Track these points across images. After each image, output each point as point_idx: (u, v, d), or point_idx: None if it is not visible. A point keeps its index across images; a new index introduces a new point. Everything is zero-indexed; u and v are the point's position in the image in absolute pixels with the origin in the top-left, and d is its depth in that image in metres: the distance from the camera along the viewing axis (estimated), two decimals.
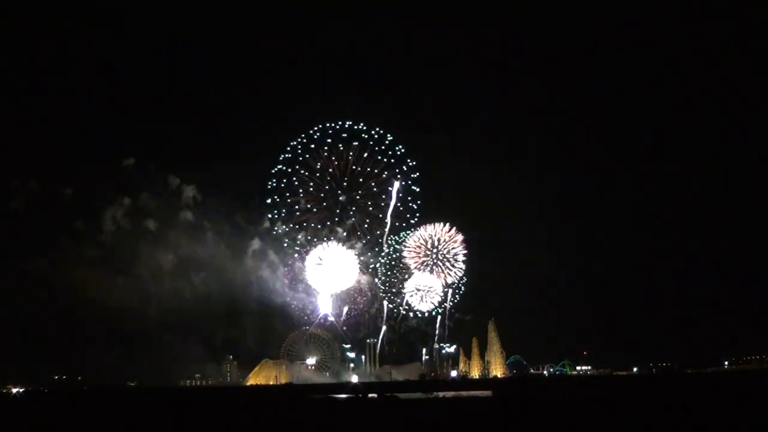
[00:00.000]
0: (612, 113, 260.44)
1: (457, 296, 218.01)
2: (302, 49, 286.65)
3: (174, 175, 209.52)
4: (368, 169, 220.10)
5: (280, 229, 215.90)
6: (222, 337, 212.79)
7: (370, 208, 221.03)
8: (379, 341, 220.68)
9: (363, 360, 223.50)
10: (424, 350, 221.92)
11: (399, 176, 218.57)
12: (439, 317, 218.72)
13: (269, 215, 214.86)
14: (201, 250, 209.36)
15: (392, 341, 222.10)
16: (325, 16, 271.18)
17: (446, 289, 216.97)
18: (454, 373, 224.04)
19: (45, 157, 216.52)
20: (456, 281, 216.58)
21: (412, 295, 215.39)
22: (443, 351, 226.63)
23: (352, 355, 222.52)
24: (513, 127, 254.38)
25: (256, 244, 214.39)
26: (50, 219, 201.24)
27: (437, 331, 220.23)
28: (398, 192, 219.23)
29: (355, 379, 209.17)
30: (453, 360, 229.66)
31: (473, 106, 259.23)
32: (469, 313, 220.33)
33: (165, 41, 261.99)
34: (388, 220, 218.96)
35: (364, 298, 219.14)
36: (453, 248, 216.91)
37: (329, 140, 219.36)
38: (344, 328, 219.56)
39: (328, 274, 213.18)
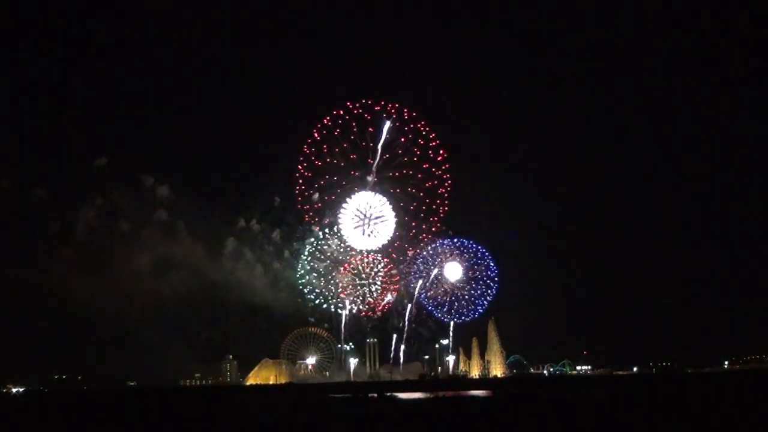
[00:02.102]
0: (606, 113, 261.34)
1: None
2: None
3: (148, 175, 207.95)
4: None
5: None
6: (206, 337, 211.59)
7: None
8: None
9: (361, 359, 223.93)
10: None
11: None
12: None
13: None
14: (179, 249, 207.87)
15: (389, 341, 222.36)
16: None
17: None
18: (451, 359, 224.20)
19: (17, 158, 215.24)
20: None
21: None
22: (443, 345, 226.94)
23: (354, 360, 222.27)
24: (513, 125, 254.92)
25: (235, 242, 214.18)
26: (23, 220, 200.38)
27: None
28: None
29: (354, 379, 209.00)
30: (453, 357, 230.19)
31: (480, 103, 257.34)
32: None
33: (138, 40, 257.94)
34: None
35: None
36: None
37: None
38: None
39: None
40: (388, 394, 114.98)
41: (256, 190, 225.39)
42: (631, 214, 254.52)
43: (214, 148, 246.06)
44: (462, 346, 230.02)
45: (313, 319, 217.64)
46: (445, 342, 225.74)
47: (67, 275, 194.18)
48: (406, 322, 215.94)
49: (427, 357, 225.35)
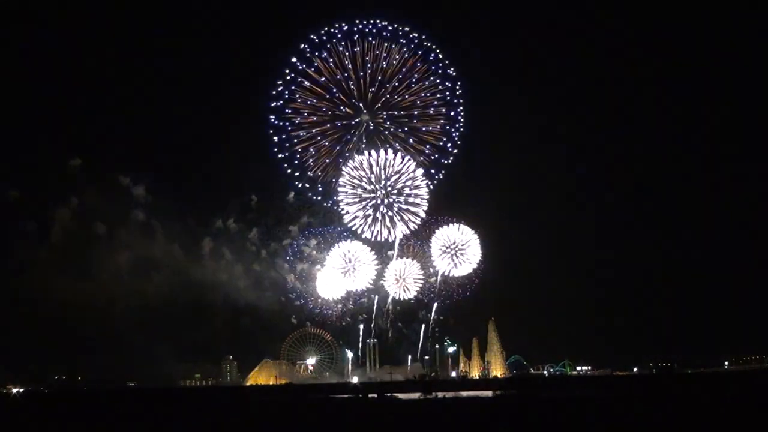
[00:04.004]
0: (612, 109, 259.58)
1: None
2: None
3: (123, 175, 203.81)
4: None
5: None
6: (192, 338, 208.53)
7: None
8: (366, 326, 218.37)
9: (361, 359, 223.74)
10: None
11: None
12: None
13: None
14: (158, 249, 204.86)
15: (389, 340, 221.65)
16: None
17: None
18: (453, 374, 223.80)
19: None
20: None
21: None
22: (446, 348, 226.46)
23: (351, 358, 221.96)
24: (517, 125, 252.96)
25: (215, 242, 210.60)
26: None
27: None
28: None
29: (354, 380, 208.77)
30: (452, 359, 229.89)
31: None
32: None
33: (112, 40, 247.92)
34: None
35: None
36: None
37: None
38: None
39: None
40: (388, 394, 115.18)
41: (233, 190, 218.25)
42: (631, 214, 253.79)
43: (189, 148, 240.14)
44: (462, 347, 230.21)
45: (295, 320, 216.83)
46: (452, 348, 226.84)
47: (46, 276, 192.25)
48: (390, 323, 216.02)
49: (427, 357, 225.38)
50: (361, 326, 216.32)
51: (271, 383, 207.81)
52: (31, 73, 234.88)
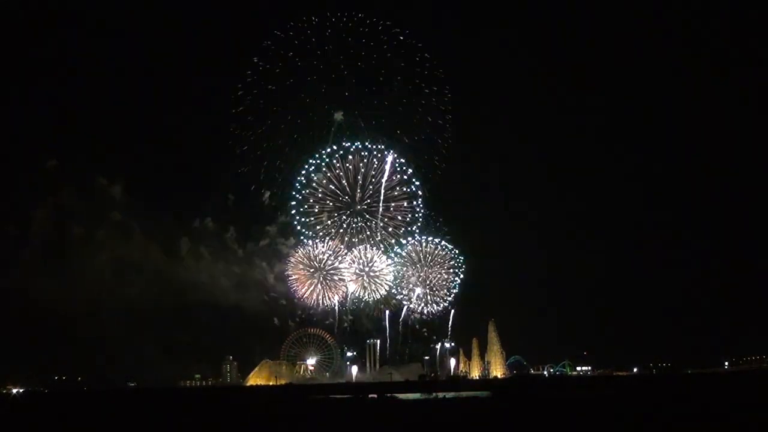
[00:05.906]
0: (612, 112, 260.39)
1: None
2: None
3: (101, 175, 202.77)
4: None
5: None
6: (181, 339, 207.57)
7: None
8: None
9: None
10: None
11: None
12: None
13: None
14: (137, 249, 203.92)
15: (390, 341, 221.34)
16: None
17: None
18: (453, 361, 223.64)
19: None
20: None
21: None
22: (446, 346, 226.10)
23: (353, 363, 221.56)
24: (521, 128, 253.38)
25: (196, 242, 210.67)
26: None
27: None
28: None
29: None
30: (451, 355, 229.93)
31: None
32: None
33: (87, 39, 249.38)
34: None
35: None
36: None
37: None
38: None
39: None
40: (388, 394, 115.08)
41: (209, 189, 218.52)
42: (630, 215, 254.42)
43: (164, 148, 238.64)
44: (462, 347, 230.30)
45: (277, 321, 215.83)
46: (447, 345, 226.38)
47: (26, 276, 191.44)
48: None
49: (427, 358, 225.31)
50: (346, 326, 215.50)
51: (270, 384, 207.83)
52: (6, 74, 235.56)
